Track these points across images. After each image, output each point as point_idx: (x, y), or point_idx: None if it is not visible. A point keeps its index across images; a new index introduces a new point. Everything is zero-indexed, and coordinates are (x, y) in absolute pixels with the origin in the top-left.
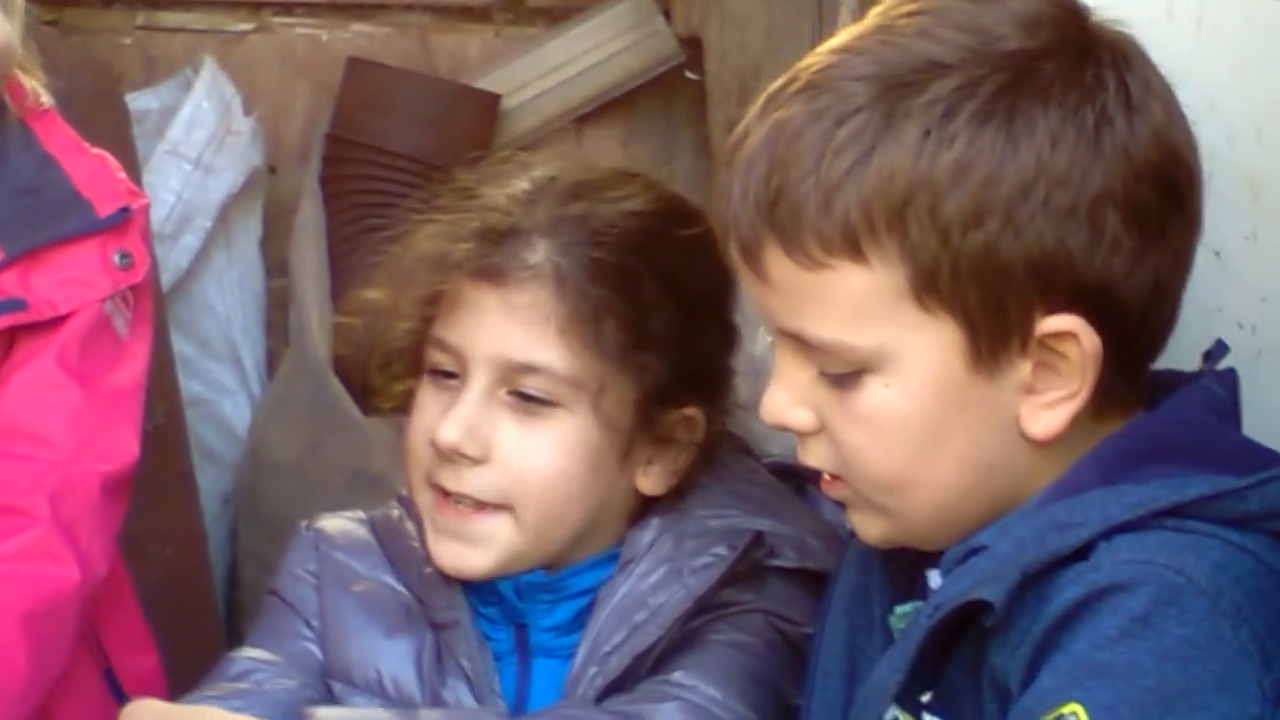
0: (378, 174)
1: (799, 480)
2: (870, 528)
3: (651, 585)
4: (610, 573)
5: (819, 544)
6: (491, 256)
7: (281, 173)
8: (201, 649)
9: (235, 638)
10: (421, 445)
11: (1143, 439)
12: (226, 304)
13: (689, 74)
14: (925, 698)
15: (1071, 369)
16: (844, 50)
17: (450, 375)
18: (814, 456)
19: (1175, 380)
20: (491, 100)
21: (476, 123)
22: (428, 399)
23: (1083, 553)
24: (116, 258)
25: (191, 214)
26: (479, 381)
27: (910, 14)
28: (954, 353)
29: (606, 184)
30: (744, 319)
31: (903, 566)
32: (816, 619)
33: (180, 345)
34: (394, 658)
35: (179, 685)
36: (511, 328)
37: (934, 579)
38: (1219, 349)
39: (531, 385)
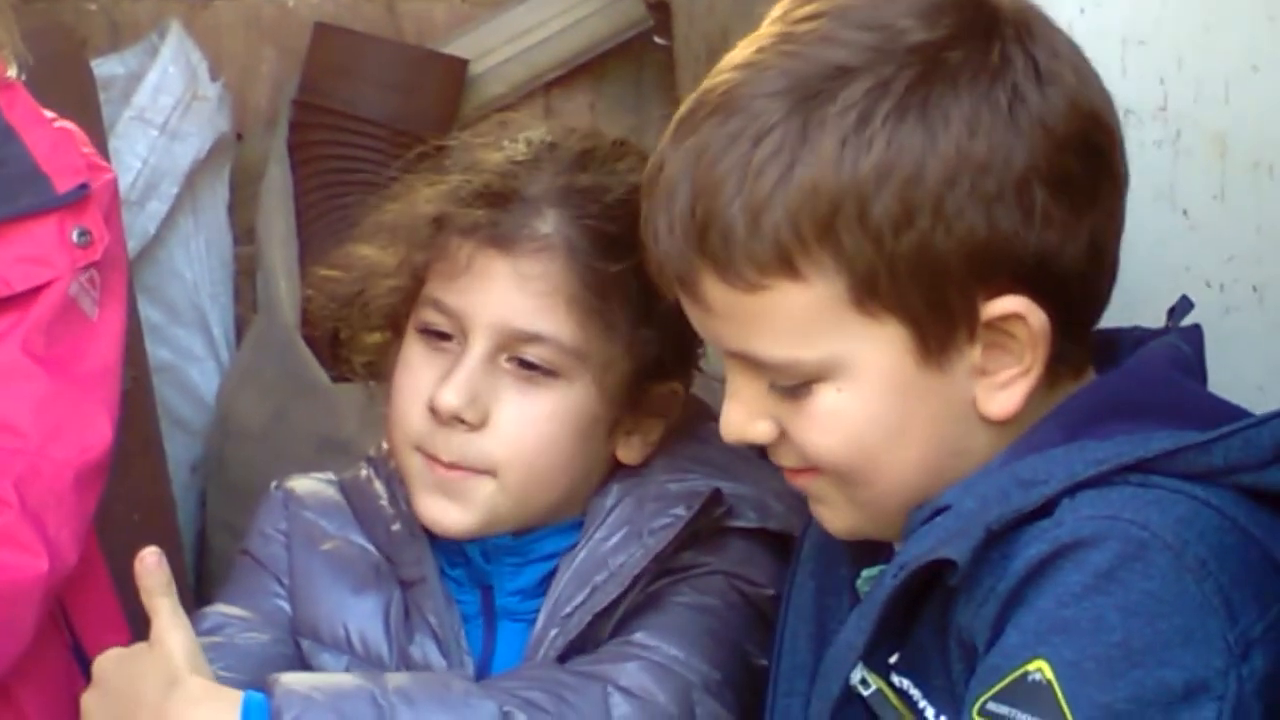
0: (345, 139)
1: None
2: (838, 521)
3: (612, 547)
4: (573, 540)
5: (780, 505)
6: (501, 224)
7: (248, 139)
8: None
9: (204, 603)
10: (411, 407)
11: (1106, 395)
12: (194, 270)
13: (657, 39)
14: (893, 659)
15: (1021, 347)
16: (749, 66)
17: (444, 337)
18: (785, 458)
19: (1140, 337)
20: (459, 65)
21: (444, 88)
22: (416, 359)
23: (1046, 509)
24: (75, 235)
25: (158, 180)
26: (480, 347)
27: (810, 17)
28: (903, 351)
29: (610, 155)
30: None
31: None
32: (778, 580)
33: (147, 311)
34: (361, 614)
35: None
36: (520, 297)
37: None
38: (1183, 305)
39: (534, 354)
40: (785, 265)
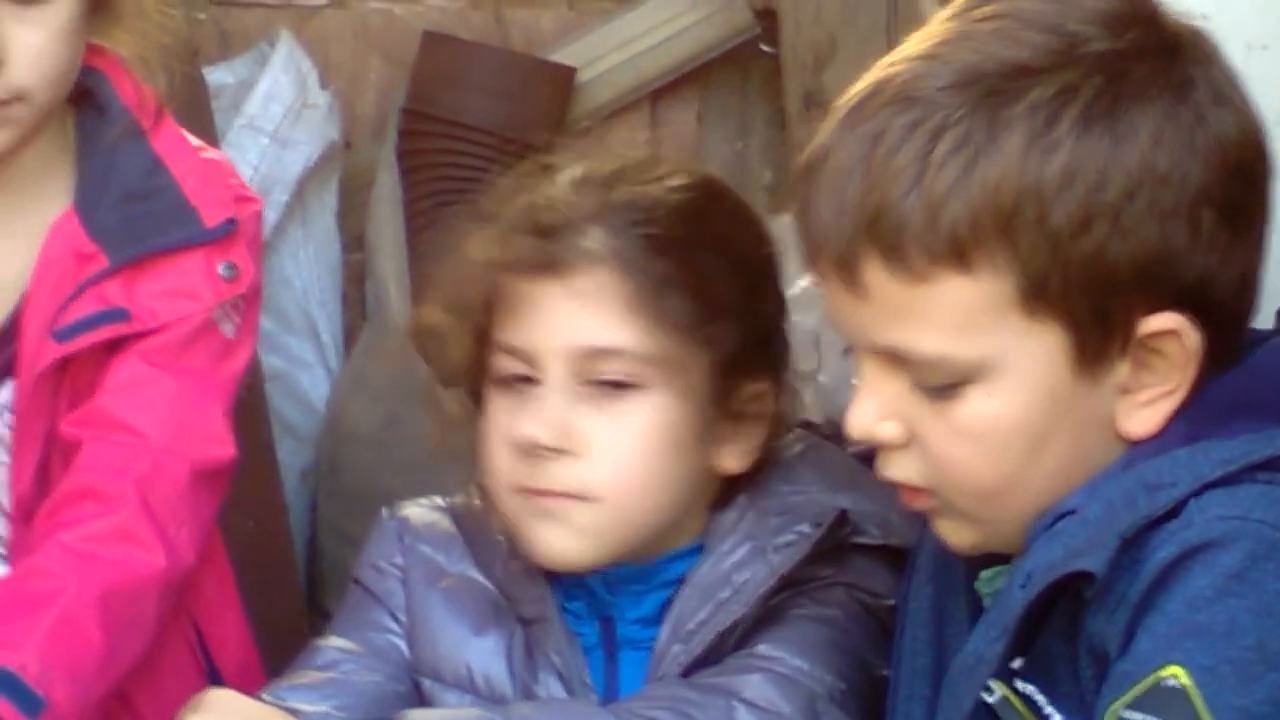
0: (454, 148)
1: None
2: (960, 536)
3: (735, 563)
4: (696, 560)
5: (901, 520)
6: (547, 251)
7: (356, 147)
8: (283, 621)
9: (316, 609)
10: (503, 453)
11: (1228, 395)
12: (303, 278)
13: (764, 46)
14: (1016, 664)
15: (1170, 366)
16: (927, 58)
17: (523, 380)
18: (898, 469)
19: (1253, 338)
20: (567, 74)
21: (552, 96)
22: (500, 409)
23: (1174, 511)
24: (222, 269)
25: (269, 188)
26: (556, 376)
27: (989, 17)
28: (1060, 358)
29: (641, 167)
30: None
31: None
32: (899, 592)
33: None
34: (483, 654)
35: (262, 658)
36: (581, 315)
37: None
38: None
39: (610, 370)
40: (958, 258)
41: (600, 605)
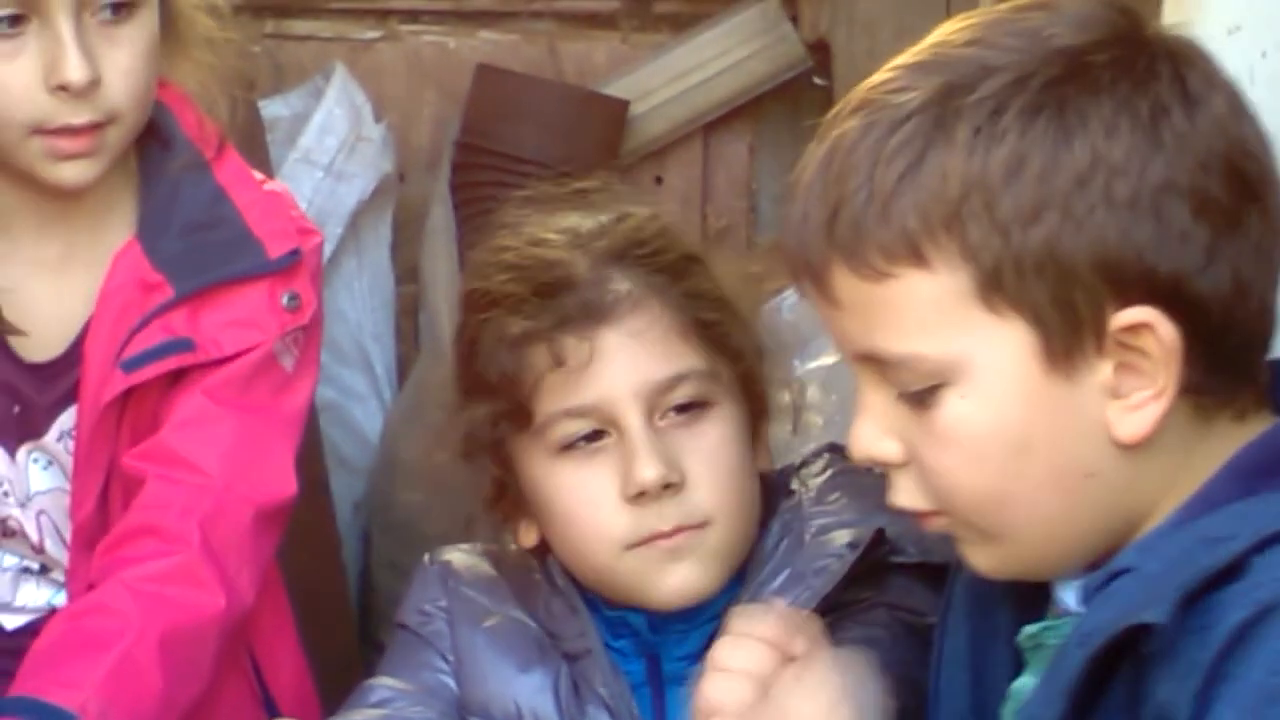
0: (507, 180)
1: None
2: (981, 558)
3: (776, 589)
4: (736, 591)
5: (936, 537)
6: (586, 303)
7: (410, 179)
8: (336, 652)
9: (368, 641)
10: (608, 514)
11: (1276, 446)
12: (357, 310)
13: (816, 79)
14: None
15: (1153, 365)
16: (895, 68)
17: (593, 437)
18: (905, 495)
19: None
20: (620, 106)
21: (605, 129)
22: (574, 476)
23: (1236, 567)
24: (285, 299)
25: (323, 221)
26: (637, 419)
27: (963, 28)
28: (1028, 355)
29: (616, 201)
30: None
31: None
32: (939, 610)
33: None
34: (531, 691)
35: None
36: (646, 354)
37: (1066, 595)
38: None
39: (684, 395)
40: (912, 253)
41: (645, 644)
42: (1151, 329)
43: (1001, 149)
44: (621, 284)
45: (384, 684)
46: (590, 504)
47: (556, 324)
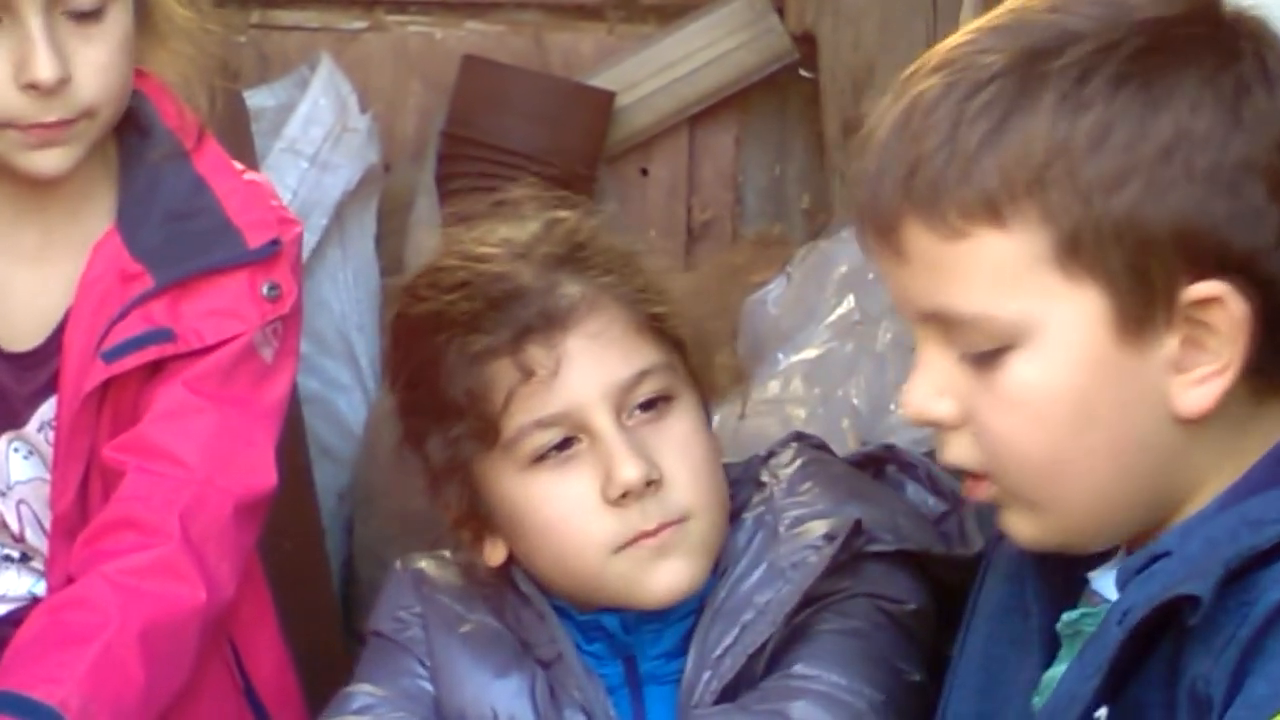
0: (493, 171)
1: (877, 468)
2: (1024, 527)
3: (754, 584)
4: (712, 585)
5: (910, 524)
6: (542, 311)
7: (396, 170)
8: (320, 643)
9: (352, 632)
10: (590, 520)
11: None
12: (341, 301)
13: (803, 72)
14: (1100, 713)
15: (1220, 342)
16: (976, 30)
17: (564, 445)
18: (957, 453)
19: None
20: (606, 98)
21: (591, 120)
22: (549, 486)
23: (1277, 551)
24: (265, 289)
25: (308, 211)
26: (606, 421)
27: (1045, 3)
28: (1099, 322)
29: (553, 208)
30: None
31: (1060, 572)
32: (917, 595)
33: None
34: (508, 695)
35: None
36: (606, 355)
37: (1102, 583)
38: None
39: (648, 391)
40: (990, 213)
41: (620, 646)
42: (1223, 303)
43: (1088, 116)
44: (572, 288)
45: (363, 690)
46: (571, 512)
47: (518, 335)
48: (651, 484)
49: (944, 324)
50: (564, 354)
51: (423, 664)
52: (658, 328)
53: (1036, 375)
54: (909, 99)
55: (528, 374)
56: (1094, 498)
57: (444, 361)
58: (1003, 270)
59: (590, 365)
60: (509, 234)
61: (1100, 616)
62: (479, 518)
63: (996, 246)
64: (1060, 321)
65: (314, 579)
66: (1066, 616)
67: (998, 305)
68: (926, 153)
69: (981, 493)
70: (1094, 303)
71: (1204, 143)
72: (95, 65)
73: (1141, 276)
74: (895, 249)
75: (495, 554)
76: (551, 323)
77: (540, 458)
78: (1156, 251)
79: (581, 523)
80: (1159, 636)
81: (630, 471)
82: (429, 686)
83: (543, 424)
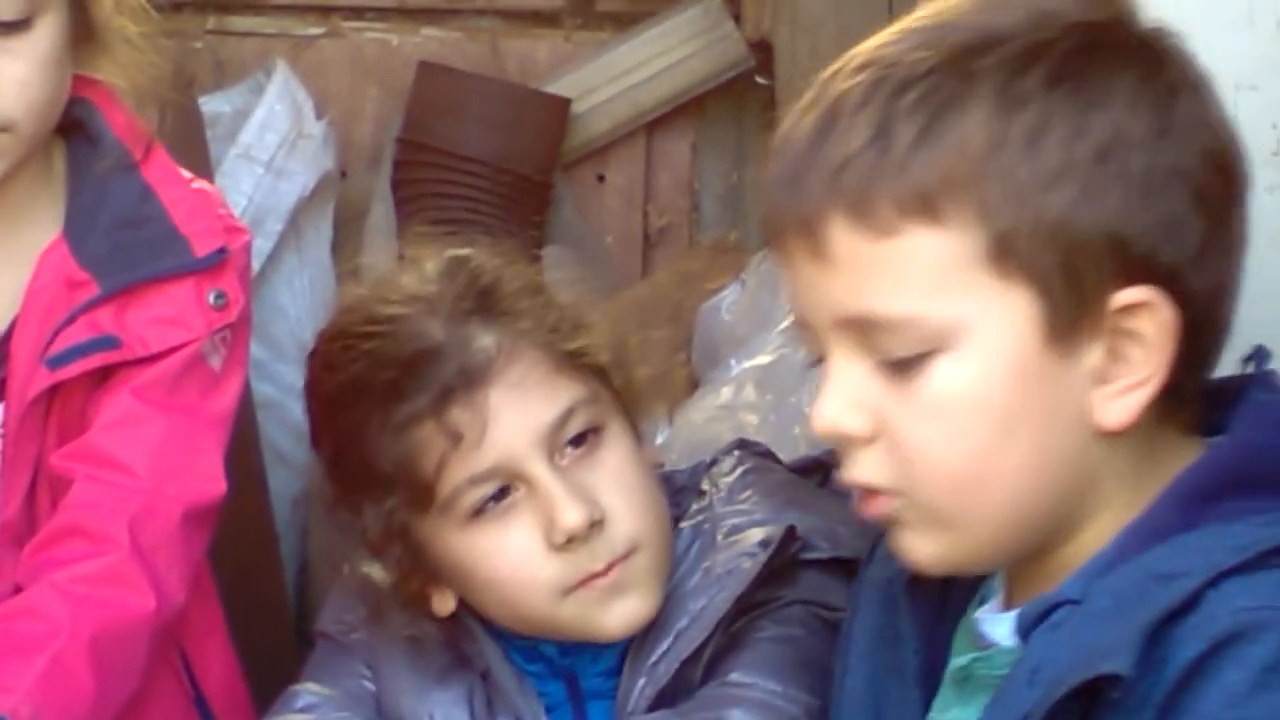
0: (449, 178)
1: (824, 474)
2: (922, 547)
3: (689, 591)
4: None
5: (848, 532)
6: (461, 369)
7: (352, 176)
8: (274, 649)
9: (306, 639)
10: (538, 568)
11: (1221, 472)
12: (297, 307)
13: (759, 79)
14: None
15: (1145, 352)
16: (900, 32)
17: (500, 496)
18: (865, 470)
19: (1224, 389)
20: (562, 104)
21: (547, 126)
22: (492, 539)
23: (1189, 605)
24: (212, 297)
25: (263, 217)
26: (541, 468)
27: (965, 5)
28: (1029, 327)
29: (440, 263)
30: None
31: (930, 603)
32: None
33: (251, 348)
34: (446, 703)
35: (250, 686)
36: (530, 402)
37: (991, 625)
38: (1261, 356)
39: (578, 425)
40: (926, 209)
41: (560, 668)
42: (1152, 309)
43: (1024, 114)
44: (487, 339)
45: (309, 690)
46: (518, 562)
47: (439, 398)
48: (595, 524)
49: (863, 329)
50: (488, 410)
51: (368, 666)
52: (578, 362)
53: (961, 381)
54: (832, 98)
55: (456, 439)
56: (1005, 515)
57: (367, 434)
58: (935, 269)
59: (516, 415)
60: (412, 287)
61: (993, 663)
62: (423, 573)
63: (929, 244)
64: (990, 324)
65: (268, 584)
66: (956, 661)
67: (928, 306)
68: (855, 149)
69: (877, 509)
70: (1025, 306)
71: (1139, 145)
72: (13, 79)
73: (1073, 279)
74: (816, 251)
75: (444, 604)
76: (472, 380)
77: (478, 511)
78: (1089, 254)
79: (530, 572)
80: (1069, 698)
81: (573, 516)
82: (373, 688)
83: (476, 480)
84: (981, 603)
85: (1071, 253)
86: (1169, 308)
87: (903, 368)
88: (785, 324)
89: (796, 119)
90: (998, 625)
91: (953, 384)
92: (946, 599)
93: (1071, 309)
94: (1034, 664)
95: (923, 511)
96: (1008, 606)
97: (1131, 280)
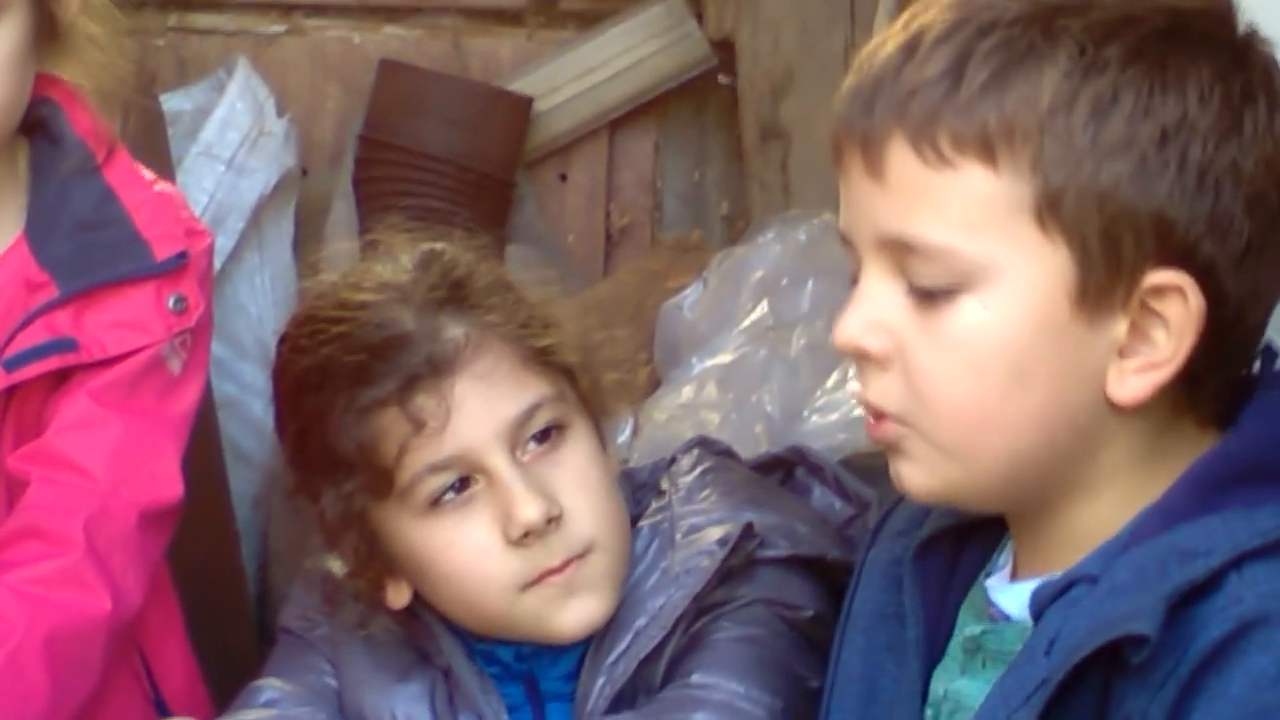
0: (410, 175)
1: (784, 472)
2: (922, 477)
3: (648, 590)
4: None
5: (807, 529)
6: (429, 357)
7: (313, 174)
8: (235, 650)
9: (267, 638)
10: (494, 562)
11: (1231, 462)
12: (259, 305)
13: (721, 78)
14: None
15: (1167, 336)
16: None
17: (461, 487)
18: (876, 391)
19: (1242, 386)
20: (524, 103)
21: (509, 125)
22: (451, 530)
23: (1212, 585)
24: (171, 302)
25: (224, 215)
26: (503, 460)
27: None
28: (1060, 285)
29: (414, 256)
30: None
31: (938, 578)
32: (815, 600)
33: (212, 346)
34: (407, 700)
35: (211, 686)
36: (495, 394)
37: (1003, 596)
38: (1269, 352)
39: (540, 423)
40: (984, 149)
41: (518, 671)
42: (1183, 295)
43: (1100, 79)
44: (456, 329)
45: (271, 685)
46: (474, 556)
47: (405, 385)
48: (552, 520)
49: (901, 252)
50: (453, 399)
51: (330, 662)
52: (544, 359)
53: (984, 322)
54: (918, 27)
55: (419, 425)
56: (1006, 459)
57: (331, 416)
58: (980, 207)
59: (480, 406)
60: (385, 276)
61: (1005, 635)
62: (379, 563)
63: (980, 183)
64: (1023, 273)
65: (228, 584)
66: (968, 631)
67: (965, 241)
68: (928, 80)
69: (882, 433)
70: (1060, 264)
71: (1202, 137)
72: None
73: (1112, 249)
74: (872, 169)
75: (399, 597)
76: (438, 369)
77: (437, 501)
78: (1133, 228)
79: (486, 566)
80: (1090, 667)
81: (530, 511)
82: (335, 684)
83: (436, 468)
84: (989, 575)
85: (1116, 223)
86: (1199, 299)
87: (931, 299)
88: (746, 323)
89: (884, 39)
90: (1006, 595)
91: (975, 324)
92: (954, 572)
93: (1105, 277)
94: (1051, 635)
95: (925, 444)
96: (1015, 577)
97: (1169, 263)
